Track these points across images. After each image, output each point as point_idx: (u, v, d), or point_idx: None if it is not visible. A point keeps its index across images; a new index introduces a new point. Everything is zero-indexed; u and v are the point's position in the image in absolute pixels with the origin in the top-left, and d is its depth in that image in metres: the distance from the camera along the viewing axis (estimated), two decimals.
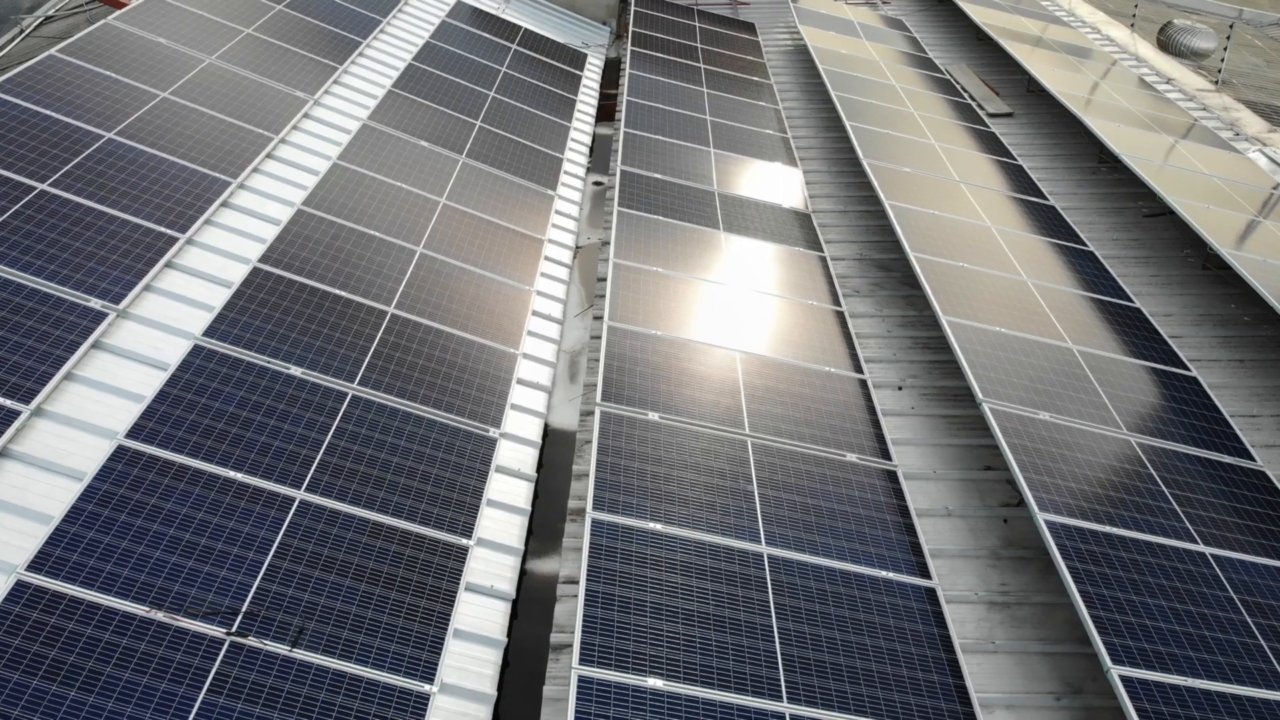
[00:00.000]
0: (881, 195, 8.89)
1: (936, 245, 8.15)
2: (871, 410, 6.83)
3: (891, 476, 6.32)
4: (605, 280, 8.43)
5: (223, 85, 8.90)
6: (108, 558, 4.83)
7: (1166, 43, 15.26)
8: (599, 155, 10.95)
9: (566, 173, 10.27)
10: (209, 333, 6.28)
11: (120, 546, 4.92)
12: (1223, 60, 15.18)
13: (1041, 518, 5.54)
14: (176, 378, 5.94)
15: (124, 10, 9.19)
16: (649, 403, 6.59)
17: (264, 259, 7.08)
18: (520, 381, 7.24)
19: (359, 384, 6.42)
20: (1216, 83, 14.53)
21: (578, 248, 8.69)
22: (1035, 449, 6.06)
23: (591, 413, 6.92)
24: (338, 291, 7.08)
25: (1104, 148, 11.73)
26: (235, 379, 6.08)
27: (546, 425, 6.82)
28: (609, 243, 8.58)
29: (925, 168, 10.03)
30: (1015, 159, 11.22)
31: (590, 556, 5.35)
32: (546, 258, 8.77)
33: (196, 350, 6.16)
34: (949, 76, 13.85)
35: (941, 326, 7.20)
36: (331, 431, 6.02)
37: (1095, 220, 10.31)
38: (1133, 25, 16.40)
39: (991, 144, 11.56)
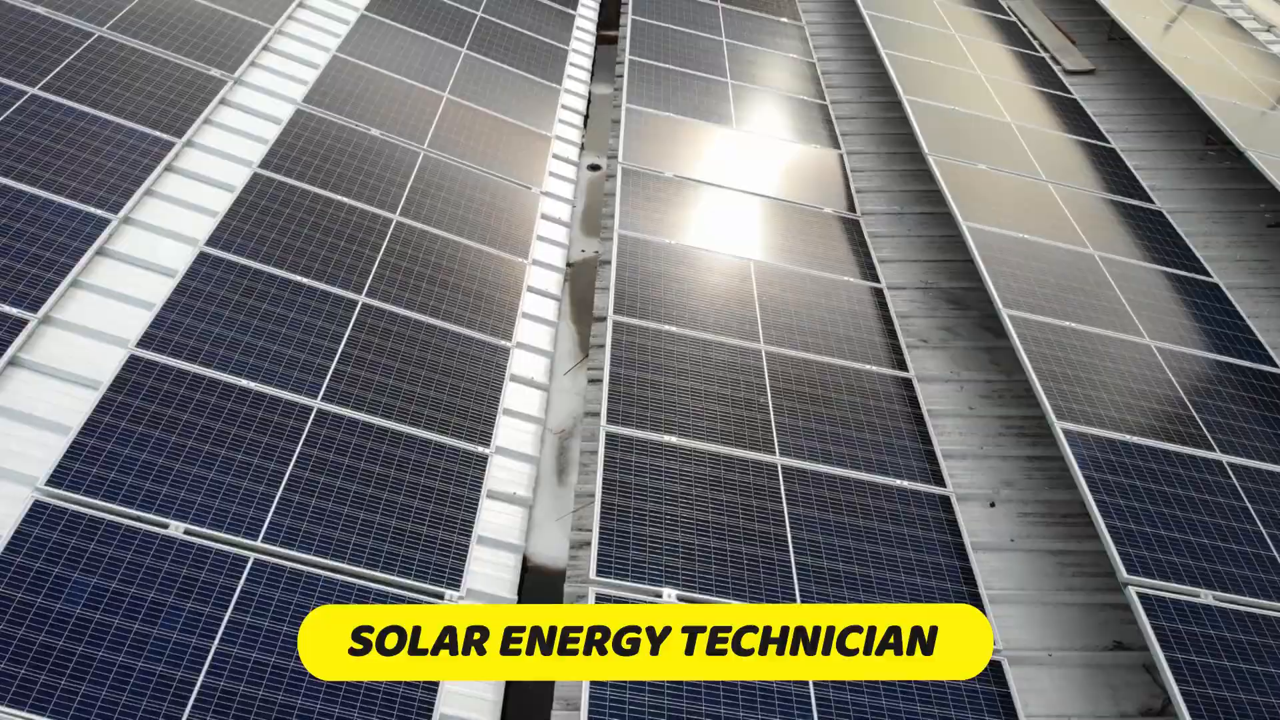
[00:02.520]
0: (958, 217, 7.09)
1: (1035, 300, 6.51)
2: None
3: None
4: (614, 195, 8.25)
5: None
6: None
7: None
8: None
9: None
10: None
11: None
12: None
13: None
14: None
15: None
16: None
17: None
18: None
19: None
20: None
21: (569, 265, 7.64)
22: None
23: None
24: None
25: (1212, 124, 9.60)
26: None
27: (526, 559, 5.49)
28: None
29: (1002, 161, 8.16)
30: (1106, 139, 9.17)
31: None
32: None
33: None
34: (1015, 18, 11.72)
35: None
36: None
37: (1213, 231, 8.32)
38: None
39: (1074, 117, 9.48)
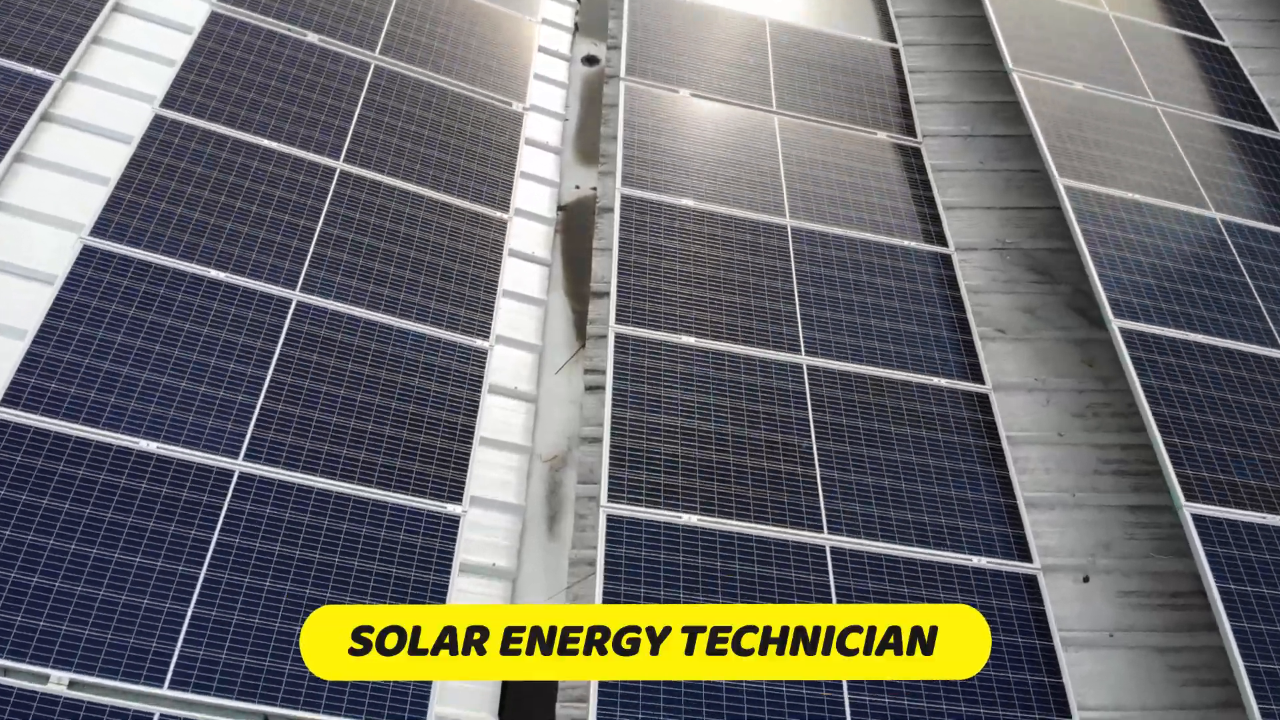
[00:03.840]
0: (1053, 170, 5.45)
1: (1153, 302, 5.15)
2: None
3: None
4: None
5: None
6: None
7: None
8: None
9: None
10: None
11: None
12: None
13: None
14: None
15: None
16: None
17: None
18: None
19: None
20: None
21: (561, 209, 6.24)
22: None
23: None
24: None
25: None
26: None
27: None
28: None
29: (1103, 76, 6.42)
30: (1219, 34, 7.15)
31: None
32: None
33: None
34: None
35: None
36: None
37: None
38: None
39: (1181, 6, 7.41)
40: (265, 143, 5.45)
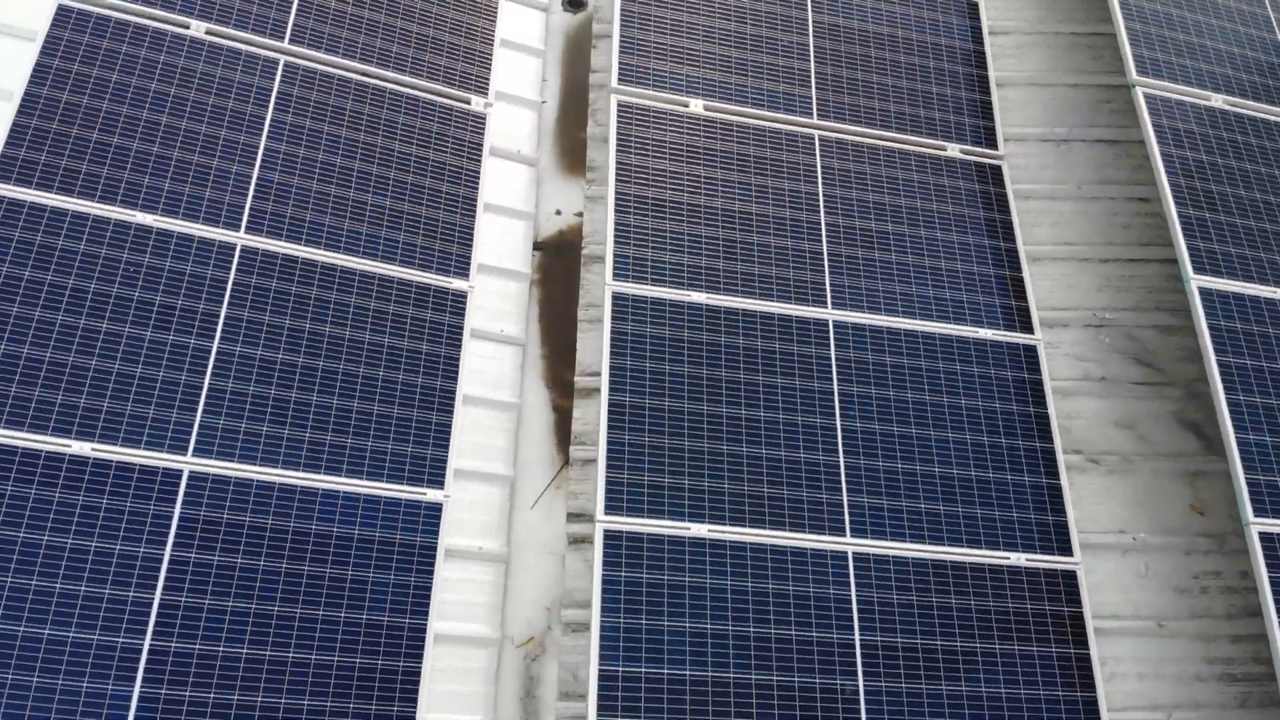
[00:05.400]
0: (1185, 258, 4.48)
1: None
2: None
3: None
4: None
5: None
6: None
7: None
8: None
9: None
10: None
11: None
12: None
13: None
14: None
15: None
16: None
17: None
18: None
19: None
20: None
21: (537, 248, 4.83)
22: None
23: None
24: None
25: None
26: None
27: None
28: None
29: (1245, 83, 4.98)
30: None
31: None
32: None
33: None
34: None
35: None
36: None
37: None
38: None
39: None
40: None
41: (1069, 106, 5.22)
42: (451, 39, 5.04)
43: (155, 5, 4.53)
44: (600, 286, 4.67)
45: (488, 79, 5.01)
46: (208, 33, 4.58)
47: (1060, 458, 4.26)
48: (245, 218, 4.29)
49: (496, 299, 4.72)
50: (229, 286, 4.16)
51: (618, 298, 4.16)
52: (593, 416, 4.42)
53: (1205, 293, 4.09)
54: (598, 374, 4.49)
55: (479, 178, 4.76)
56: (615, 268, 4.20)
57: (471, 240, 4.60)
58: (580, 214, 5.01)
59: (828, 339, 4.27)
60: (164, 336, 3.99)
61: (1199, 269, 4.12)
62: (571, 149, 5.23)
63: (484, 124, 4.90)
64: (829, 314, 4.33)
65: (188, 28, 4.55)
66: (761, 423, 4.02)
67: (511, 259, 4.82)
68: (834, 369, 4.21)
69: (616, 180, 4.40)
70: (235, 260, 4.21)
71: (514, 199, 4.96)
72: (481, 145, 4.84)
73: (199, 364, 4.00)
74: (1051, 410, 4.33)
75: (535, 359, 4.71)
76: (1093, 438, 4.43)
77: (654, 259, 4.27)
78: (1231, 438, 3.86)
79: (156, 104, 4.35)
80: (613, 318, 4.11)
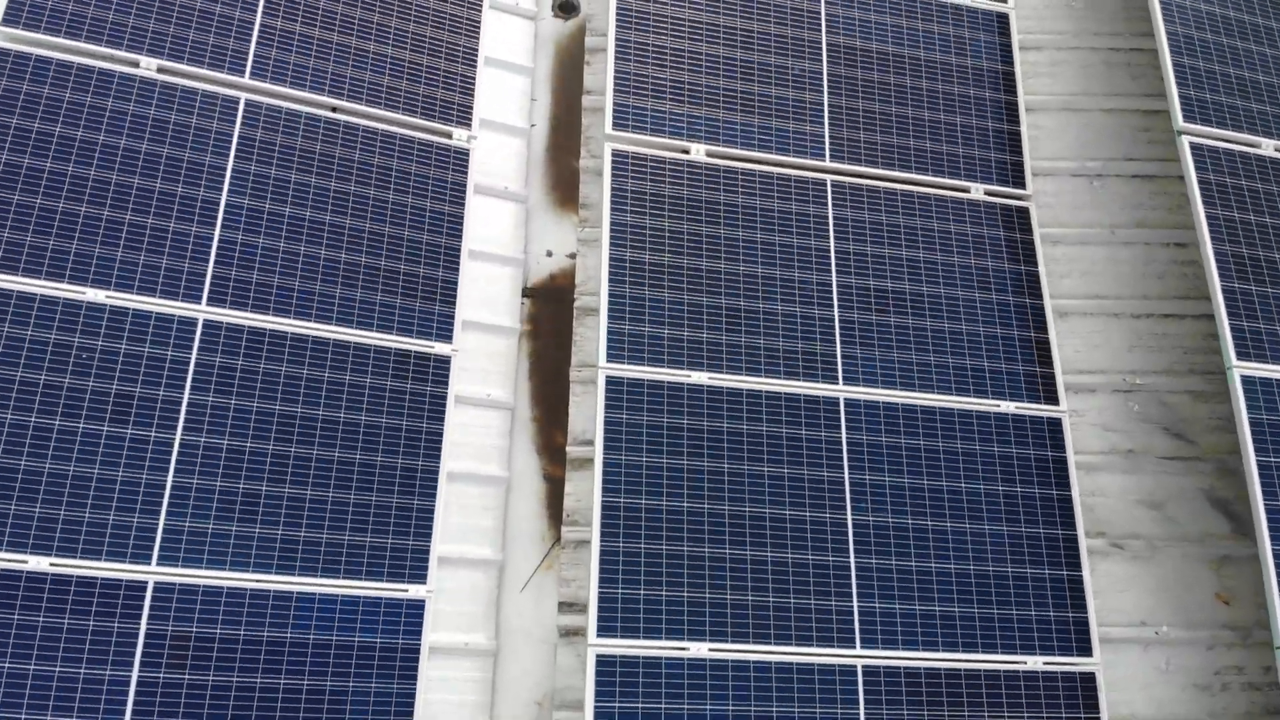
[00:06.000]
0: (1229, 347, 4.03)
1: None
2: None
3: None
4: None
5: None
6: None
7: None
8: None
9: None
10: None
11: None
12: None
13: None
14: None
15: None
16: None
17: None
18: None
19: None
20: None
21: (526, 296, 4.48)
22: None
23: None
24: None
25: None
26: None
27: None
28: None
29: None
30: None
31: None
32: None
33: None
34: None
35: None
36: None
37: None
38: None
39: None
40: None
41: (1104, 135, 4.79)
42: (430, 62, 4.59)
43: (101, 41, 4.08)
44: (593, 342, 4.35)
45: (471, 108, 4.59)
46: (160, 71, 4.14)
47: (1082, 543, 4.01)
48: (207, 287, 3.94)
49: (483, 358, 4.40)
50: (191, 368, 3.84)
51: (611, 382, 3.84)
52: (585, 491, 4.15)
53: (1248, 381, 3.77)
54: (590, 442, 4.20)
55: (462, 224, 4.38)
56: (609, 347, 3.87)
57: (455, 297, 4.26)
58: (573, 255, 4.65)
59: (838, 420, 3.96)
60: (121, 431, 3.68)
61: (1243, 354, 3.80)
62: (563, 180, 4.83)
63: (467, 160, 4.49)
64: (840, 391, 4.01)
65: (137, 65, 4.11)
66: (766, 521, 3.75)
67: (499, 312, 4.48)
68: (845, 453, 3.92)
69: (611, 245, 4.03)
70: (197, 338, 3.87)
71: (501, 242, 4.59)
72: (465, 186, 4.45)
73: (161, 460, 3.70)
74: (1075, 493, 4.05)
75: (525, 421, 4.42)
76: (1117, 519, 4.17)
77: (651, 334, 3.93)
78: (1268, 549, 3.60)
79: (105, 159, 3.95)
80: (606, 405, 3.80)
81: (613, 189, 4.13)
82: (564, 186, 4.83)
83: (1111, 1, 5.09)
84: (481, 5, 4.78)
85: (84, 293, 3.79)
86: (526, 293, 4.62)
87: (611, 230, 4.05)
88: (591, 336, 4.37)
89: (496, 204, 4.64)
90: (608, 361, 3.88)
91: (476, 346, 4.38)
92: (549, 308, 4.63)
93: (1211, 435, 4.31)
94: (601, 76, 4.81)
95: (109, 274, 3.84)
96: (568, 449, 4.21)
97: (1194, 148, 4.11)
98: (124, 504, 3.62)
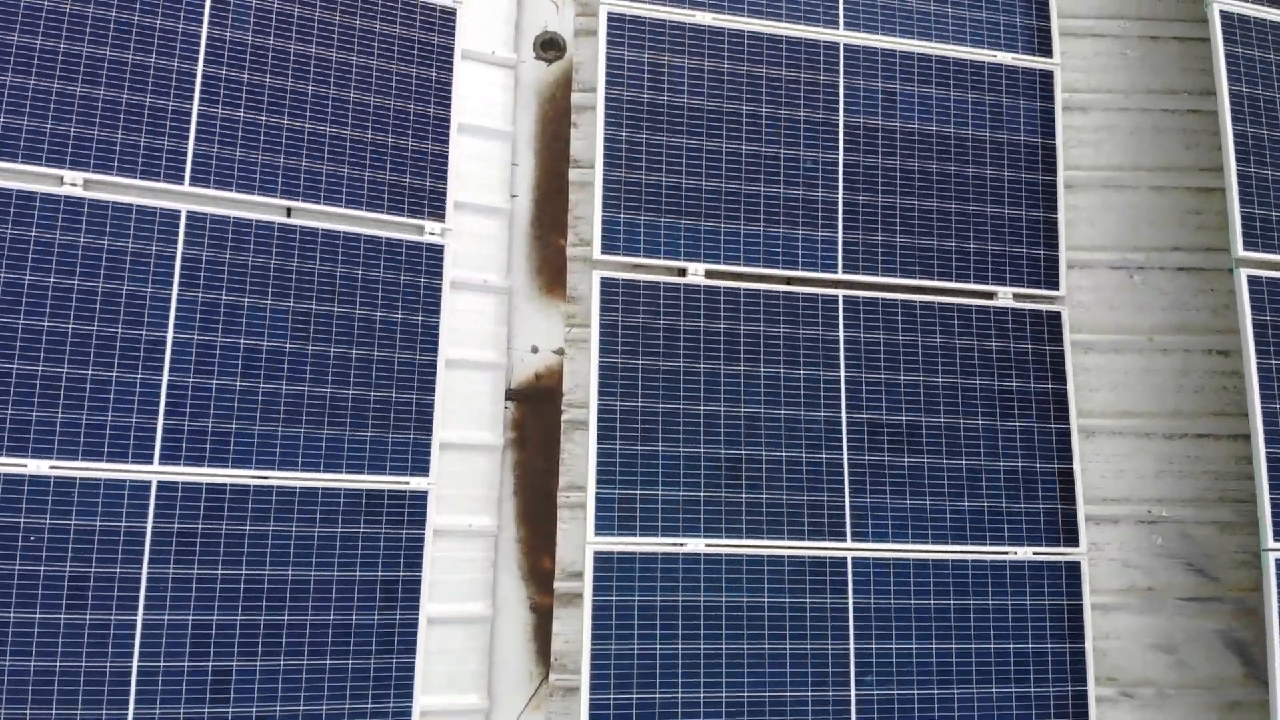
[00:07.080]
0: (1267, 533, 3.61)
1: None
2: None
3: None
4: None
5: None
6: None
7: None
8: None
9: None
10: None
11: None
12: None
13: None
14: None
15: None
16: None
17: None
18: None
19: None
20: None
21: (509, 399, 4.11)
22: None
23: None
24: None
25: None
26: None
27: None
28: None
29: None
30: None
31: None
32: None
33: None
34: None
35: None
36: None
37: None
38: None
39: None
40: None
41: (1150, 219, 4.31)
42: (396, 141, 4.05)
43: (16, 157, 3.56)
44: (582, 460, 4.04)
45: (444, 194, 4.08)
46: (86, 185, 3.64)
47: (1091, 694, 3.86)
48: (159, 444, 3.60)
49: (464, 481, 4.09)
50: (148, 537, 3.55)
51: (600, 558, 3.56)
52: (574, 632, 3.95)
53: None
54: (579, 575, 3.97)
55: (438, 335, 3.98)
56: (598, 519, 3.57)
57: (430, 425, 3.91)
58: (560, 351, 4.26)
59: (845, 584, 3.72)
60: (80, 618, 3.44)
61: None
62: (549, 262, 4.37)
63: (441, 258, 4.04)
64: (847, 550, 3.75)
65: (61, 182, 3.61)
66: (766, 705, 3.57)
67: (480, 427, 4.13)
68: (850, 622, 3.70)
69: (600, 396, 3.66)
70: (152, 502, 3.57)
71: (481, 345, 4.19)
72: (439, 289, 4.01)
73: (124, 646, 3.47)
74: (1089, 645, 3.86)
75: (509, 542, 4.16)
76: (1129, 664, 3.99)
77: (644, 499, 3.62)
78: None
79: (34, 304, 3.51)
80: (594, 587, 3.54)
81: (601, 325, 3.71)
82: (549, 270, 4.38)
83: (1170, 50, 4.47)
84: (452, 60, 4.18)
85: (25, 465, 3.45)
86: (510, 395, 4.26)
87: (600, 378, 3.67)
88: (580, 454, 4.05)
89: (476, 298, 4.21)
90: (596, 535, 3.59)
91: (457, 470, 4.07)
92: (535, 413, 4.28)
93: (1234, 571, 4.07)
94: (590, 142, 4.27)
95: (49, 440, 3.49)
96: (555, 584, 3.98)
97: (1252, 282, 3.67)
98: (120, 405, 3.51)
